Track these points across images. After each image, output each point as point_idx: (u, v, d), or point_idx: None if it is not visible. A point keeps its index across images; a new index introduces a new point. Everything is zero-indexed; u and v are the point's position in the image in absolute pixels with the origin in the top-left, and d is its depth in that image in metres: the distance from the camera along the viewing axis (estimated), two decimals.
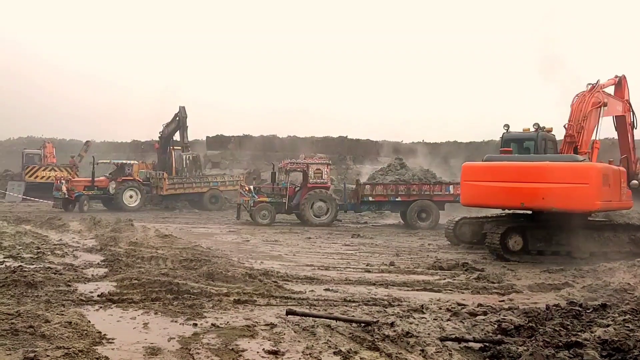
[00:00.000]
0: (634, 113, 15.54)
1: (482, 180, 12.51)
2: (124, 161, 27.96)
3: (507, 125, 13.82)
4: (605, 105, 13.48)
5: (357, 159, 39.46)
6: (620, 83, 15.31)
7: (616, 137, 16.36)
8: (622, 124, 15.67)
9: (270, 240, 15.36)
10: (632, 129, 15.63)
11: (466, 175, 12.98)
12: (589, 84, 13.81)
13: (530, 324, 5.69)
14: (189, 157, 28.41)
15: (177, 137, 29.78)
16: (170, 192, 26.96)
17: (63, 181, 25.14)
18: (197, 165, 28.80)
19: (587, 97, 13.46)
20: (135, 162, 28.10)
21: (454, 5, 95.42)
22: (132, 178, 26.12)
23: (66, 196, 24.57)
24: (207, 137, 41.79)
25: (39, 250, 11.27)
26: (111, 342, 5.47)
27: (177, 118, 28.63)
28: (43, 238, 13.52)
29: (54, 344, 5.15)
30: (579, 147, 13.12)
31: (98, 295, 7.41)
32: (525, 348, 4.95)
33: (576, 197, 11.23)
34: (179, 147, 29.67)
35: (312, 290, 8.21)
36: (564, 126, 13.49)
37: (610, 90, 15.05)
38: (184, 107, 28.57)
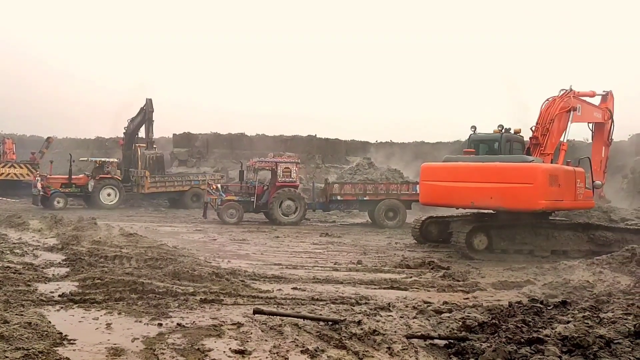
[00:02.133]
0: (612, 125, 15.70)
1: (438, 180, 12.93)
2: (104, 159, 27.29)
3: (474, 127, 14.03)
4: (574, 109, 13.80)
5: (325, 158, 39.52)
6: (606, 97, 15.61)
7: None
8: (599, 132, 15.82)
9: (237, 239, 15.25)
10: (609, 141, 15.79)
11: (424, 175, 13.39)
12: (562, 89, 14.12)
13: (494, 321, 5.80)
14: (152, 156, 27.64)
15: (142, 133, 29.22)
16: (152, 190, 26.54)
17: (38, 178, 24.65)
18: (159, 165, 27.94)
19: (557, 102, 13.77)
20: (116, 159, 27.38)
21: (430, 7, 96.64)
22: (110, 176, 25.62)
23: (41, 193, 24.19)
24: (174, 134, 41.18)
25: None
26: (72, 343, 5.34)
27: (144, 111, 27.96)
28: (2, 237, 13.08)
29: (13, 345, 5.00)
30: (542, 149, 13.43)
31: (59, 295, 7.23)
32: (488, 344, 5.05)
33: (521, 197, 11.57)
34: (144, 145, 29.10)
35: (280, 289, 8.20)
36: (531, 128, 13.79)
37: (591, 100, 15.33)
38: (150, 100, 27.71)
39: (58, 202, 24.14)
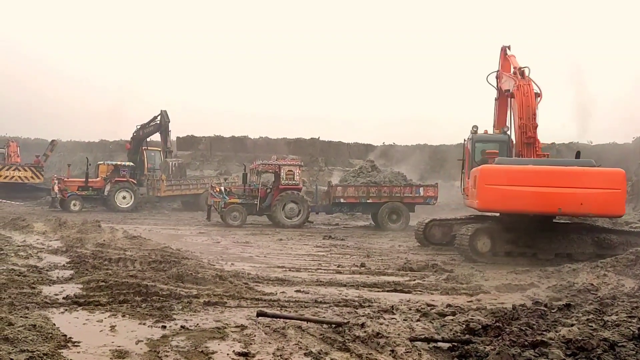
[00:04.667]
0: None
1: (509, 185, 11.82)
2: (119, 162, 27.47)
3: (475, 127, 13.61)
4: (539, 95, 13.26)
5: (329, 160, 39.56)
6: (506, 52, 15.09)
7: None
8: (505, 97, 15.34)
9: (241, 241, 15.26)
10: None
11: (487, 178, 12.06)
12: (521, 68, 13.45)
13: (497, 324, 5.79)
14: (175, 163, 28.04)
15: (152, 138, 29.48)
16: (167, 193, 26.70)
17: (56, 181, 25.03)
18: (182, 172, 28.45)
19: (527, 89, 13.11)
20: (132, 163, 27.55)
21: (433, 10, 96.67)
22: (125, 179, 25.84)
23: (58, 196, 24.67)
24: (178, 137, 41.29)
25: (1, 252, 10.92)
26: (77, 346, 5.35)
27: (158, 122, 28.12)
28: (6, 239, 13.13)
29: (18, 347, 5.01)
30: (538, 147, 13.12)
31: (63, 298, 7.24)
32: (492, 347, 5.04)
33: (610, 203, 11.38)
34: (154, 148, 29.33)
35: (283, 292, 8.20)
36: (504, 130, 13.23)
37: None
38: (165, 112, 28.02)
39: (74, 205, 24.58)
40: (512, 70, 14.07)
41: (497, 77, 15.50)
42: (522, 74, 13.43)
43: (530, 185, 11.67)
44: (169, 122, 28.02)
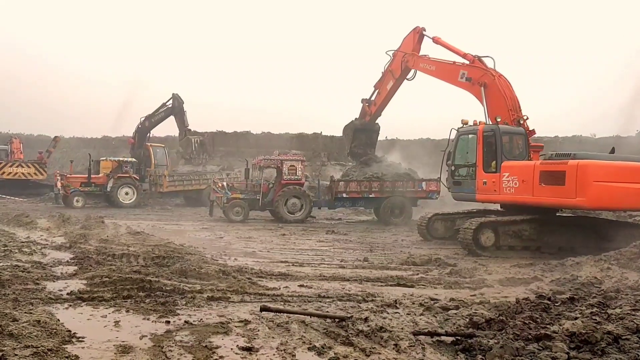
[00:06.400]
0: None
1: (615, 181, 11.47)
2: (122, 158, 27.54)
3: (499, 117, 13.24)
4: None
5: (331, 155, 39.49)
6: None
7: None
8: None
9: (244, 236, 15.28)
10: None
11: (596, 175, 11.43)
12: (477, 56, 13.60)
13: (501, 318, 5.79)
14: (196, 140, 27.98)
15: (158, 129, 29.59)
16: (170, 189, 26.70)
17: (59, 177, 25.16)
18: (204, 149, 28.44)
19: (503, 80, 13.13)
20: (134, 159, 27.65)
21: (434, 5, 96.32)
22: (128, 175, 25.92)
23: (60, 192, 24.82)
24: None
25: (5, 248, 10.97)
26: (81, 341, 5.37)
27: (170, 106, 28.19)
28: (10, 236, 13.17)
29: (23, 343, 5.04)
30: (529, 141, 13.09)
31: (67, 294, 7.26)
32: (495, 341, 5.04)
33: None
34: (157, 144, 29.41)
35: (287, 287, 8.21)
36: (520, 122, 13.11)
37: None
38: (178, 94, 28.21)
39: (77, 201, 24.67)
40: (466, 57, 14.20)
41: (405, 59, 15.95)
42: (481, 60, 13.36)
43: (635, 182, 11.52)
44: (183, 102, 28.20)
